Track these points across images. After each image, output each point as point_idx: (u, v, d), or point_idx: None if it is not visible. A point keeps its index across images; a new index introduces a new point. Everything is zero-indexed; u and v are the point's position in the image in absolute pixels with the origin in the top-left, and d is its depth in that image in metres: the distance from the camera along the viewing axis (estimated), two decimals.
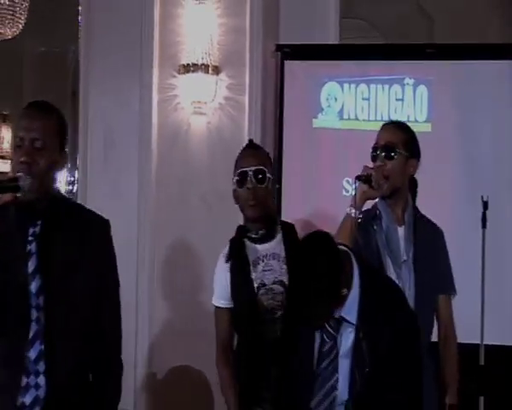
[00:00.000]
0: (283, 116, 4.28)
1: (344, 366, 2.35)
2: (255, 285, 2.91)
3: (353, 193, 2.96)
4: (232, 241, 2.98)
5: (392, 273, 2.91)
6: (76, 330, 2.44)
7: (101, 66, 4.40)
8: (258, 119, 4.22)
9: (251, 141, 3.17)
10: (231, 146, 3.98)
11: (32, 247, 2.41)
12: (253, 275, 2.92)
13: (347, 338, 2.36)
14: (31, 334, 2.38)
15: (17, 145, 2.40)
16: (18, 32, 4.67)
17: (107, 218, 2.56)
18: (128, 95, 4.28)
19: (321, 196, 4.21)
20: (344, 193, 4.12)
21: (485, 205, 3.50)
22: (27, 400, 2.39)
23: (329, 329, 2.36)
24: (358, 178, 2.92)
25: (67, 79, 5.35)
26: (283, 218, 3.17)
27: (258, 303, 2.90)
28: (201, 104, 4.24)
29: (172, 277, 4.16)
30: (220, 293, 2.99)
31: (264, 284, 2.91)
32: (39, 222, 2.42)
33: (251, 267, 2.92)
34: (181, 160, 4.25)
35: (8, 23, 4.60)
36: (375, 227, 2.99)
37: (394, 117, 4.11)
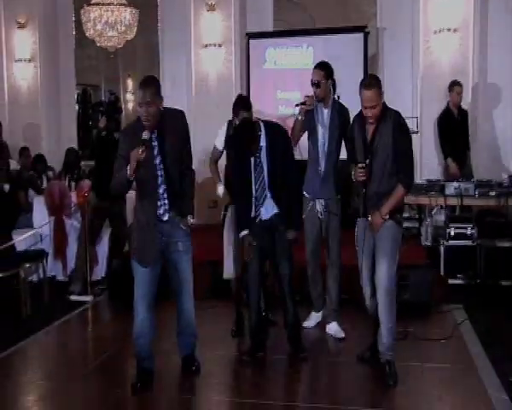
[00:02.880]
0: (250, 64, 8.72)
1: (265, 167, 4.43)
2: None
3: (296, 111, 4.82)
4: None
5: (320, 133, 4.68)
6: (175, 174, 3.99)
7: (170, 50, 9.18)
8: (238, 66, 8.75)
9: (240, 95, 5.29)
10: (228, 78, 8.70)
11: (155, 143, 3.92)
12: None
13: (264, 155, 4.41)
14: (160, 180, 3.95)
15: (139, 106, 3.80)
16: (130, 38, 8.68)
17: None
18: (183, 61, 8.94)
19: (268, 99, 8.50)
20: (277, 96, 8.57)
21: None
22: (161, 211, 4.02)
23: (257, 154, 4.41)
24: (297, 104, 4.80)
25: (156, 59, 9.83)
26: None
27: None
28: (215, 62, 8.75)
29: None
30: (220, 143, 5.12)
31: None
32: (155, 130, 3.91)
33: None
34: (208, 86, 8.79)
35: (124, 38, 8.55)
36: (315, 112, 4.74)
37: (301, 63, 8.37)
